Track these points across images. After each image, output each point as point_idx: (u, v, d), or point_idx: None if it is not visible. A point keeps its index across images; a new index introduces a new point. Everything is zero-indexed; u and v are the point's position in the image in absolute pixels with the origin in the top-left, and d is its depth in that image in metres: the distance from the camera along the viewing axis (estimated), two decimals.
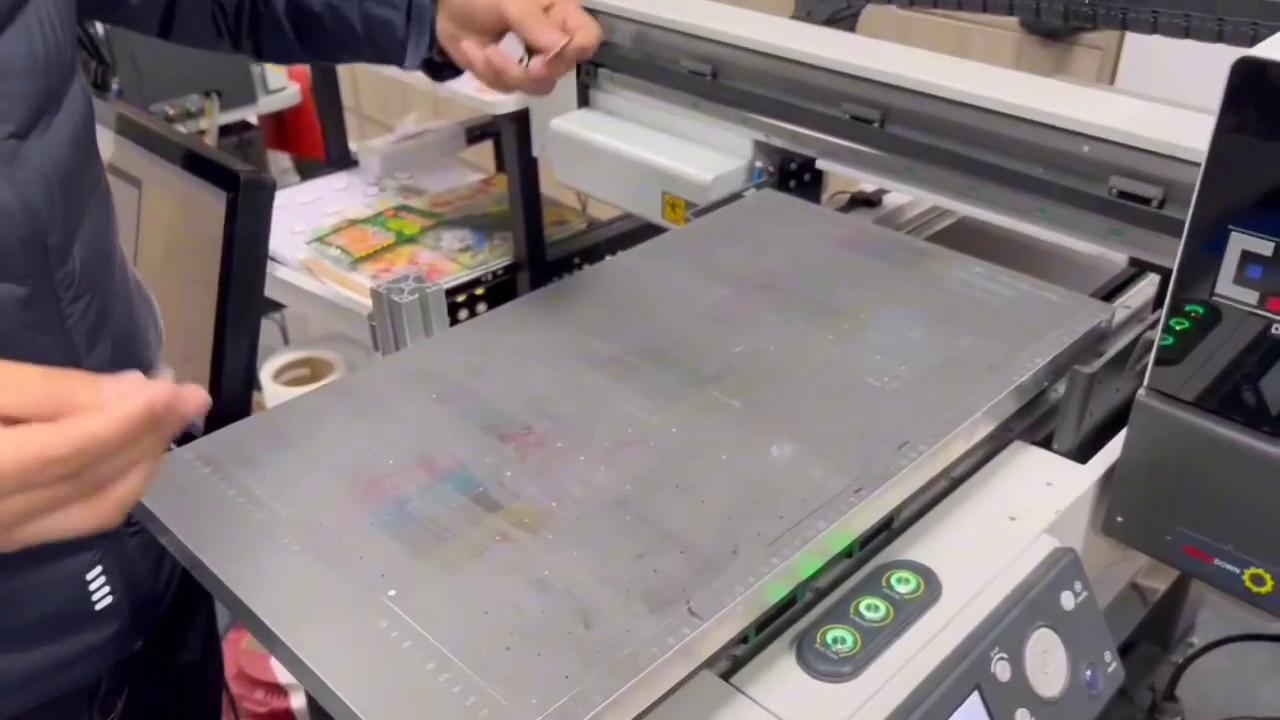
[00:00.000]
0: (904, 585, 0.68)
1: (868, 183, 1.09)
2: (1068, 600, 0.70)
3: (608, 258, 0.93)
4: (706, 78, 1.09)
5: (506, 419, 0.72)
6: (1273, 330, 0.65)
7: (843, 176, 1.05)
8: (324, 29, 0.88)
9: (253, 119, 2.21)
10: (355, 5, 0.87)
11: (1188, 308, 0.69)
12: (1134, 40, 1.79)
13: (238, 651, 1.35)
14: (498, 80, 0.80)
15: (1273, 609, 0.72)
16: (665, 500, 0.65)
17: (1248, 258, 0.65)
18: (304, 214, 1.62)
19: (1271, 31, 0.66)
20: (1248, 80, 0.62)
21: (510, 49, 0.80)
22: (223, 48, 0.92)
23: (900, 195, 1.14)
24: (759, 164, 1.09)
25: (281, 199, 1.69)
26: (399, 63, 0.88)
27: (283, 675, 1.33)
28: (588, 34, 0.78)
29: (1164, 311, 0.70)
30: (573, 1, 0.81)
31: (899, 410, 0.72)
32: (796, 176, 1.10)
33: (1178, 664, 1.27)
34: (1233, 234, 0.65)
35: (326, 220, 1.57)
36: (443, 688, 0.52)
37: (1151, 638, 1.28)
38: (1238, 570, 0.73)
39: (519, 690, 0.52)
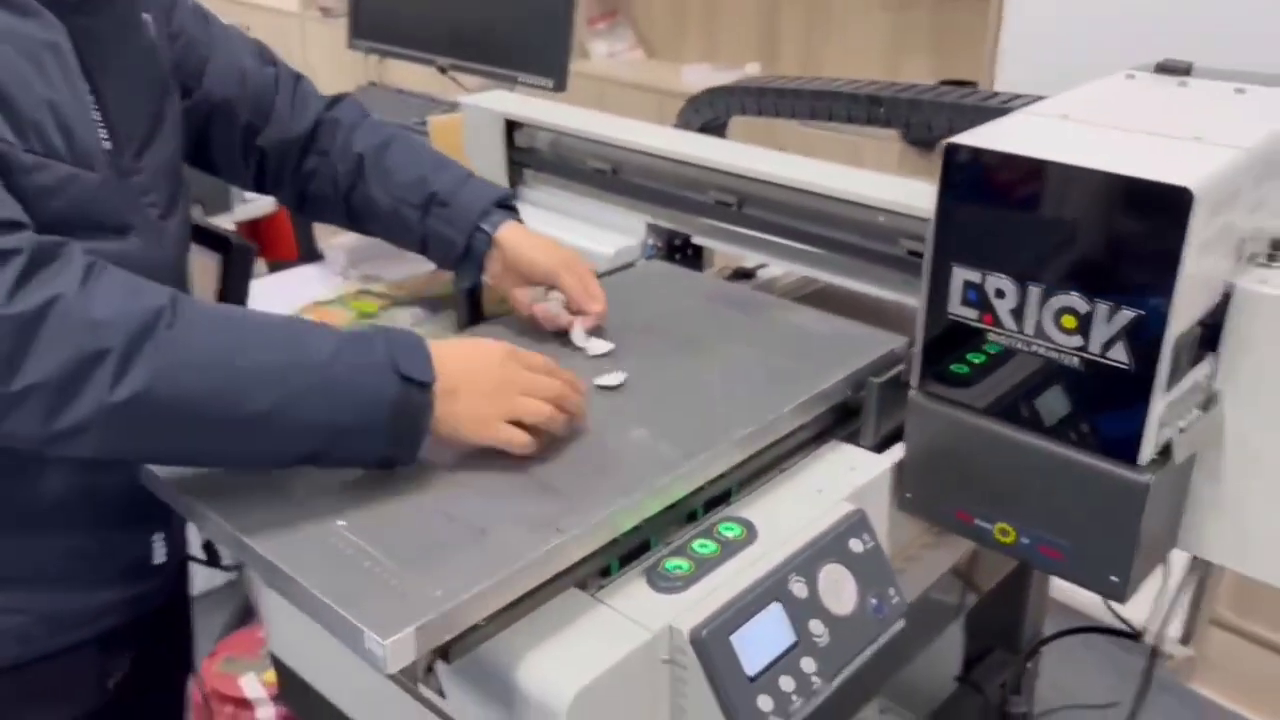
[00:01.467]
0: (730, 531, 0.91)
1: (736, 255, 1.35)
2: (856, 545, 0.92)
3: None
4: (608, 174, 1.36)
5: None
6: (988, 338, 0.90)
7: (716, 250, 1.31)
8: (380, 219, 1.11)
9: (230, 226, 2.47)
10: (419, 214, 1.10)
11: (934, 326, 0.94)
12: None
13: (210, 674, 1.53)
14: (536, 326, 1.10)
15: (1015, 554, 0.95)
16: (550, 467, 0.88)
17: (967, 285, 0.90)
18: (275, 299, 1.85)
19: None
20: (953, 159, 0.88)
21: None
22: (247, 183, 1.16)
23: (773, 269, 1.40)
24: (650, 241, 1.35)
25: (255, 288, 1.93)
26: (445, 268, 1.14)
27: (249, 691, 1.51)
28: (601, 303, 1.09)
29: (919, 329, 0.95)
30: (592, 276, 1.10)
31: (729, 408, 0.96)
32: (681, 251, 1.36)
33: (1021, 661, 1.49)
34: (954, 268, 0.90)
35: (300, 302, 1.81)
36: (373, 575, 0.75)
37: (1004, 645, 1.50)
38: (989, 525, 0.96)
39: (427, 575, 0.74)
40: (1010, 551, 0.96)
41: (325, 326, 0.82)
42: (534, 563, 0.77)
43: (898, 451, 1.02)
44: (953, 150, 0.88)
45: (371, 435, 0.80)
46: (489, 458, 0.89)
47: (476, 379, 0.86)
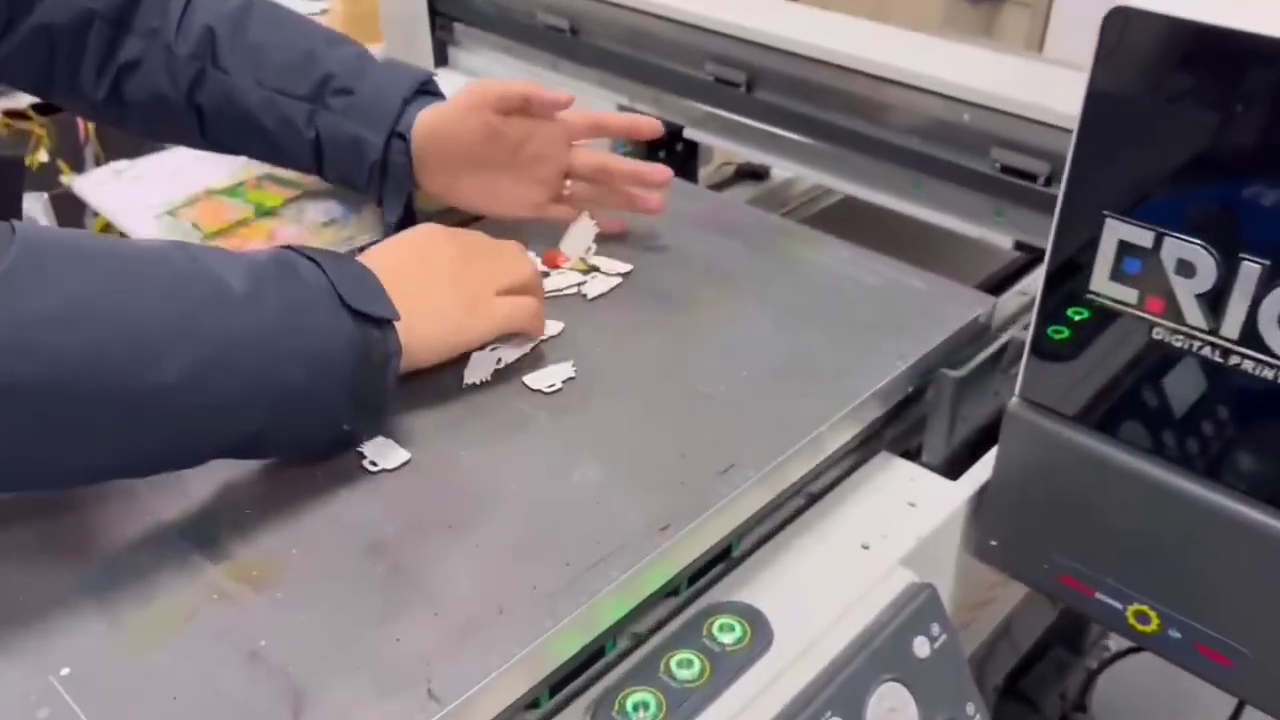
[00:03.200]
0: (727, 634, 0.58)
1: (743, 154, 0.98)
2: (922, 647, 0.60)
3: None
4: (565, 34, 0.98)
5: None
6: (1153, 334, 0.55)
7: (713, 147, 0.94)
8: (246, 120, 0.77)
9: None
10: (308, 108, 0.76)
11: (1060, 306, 0.59)
12: None
13: None
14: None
15: (1159, 650, 0.63)
16: (430, 544, 0.54)
17: (1125, 249, 0.55)
18: (166, 184, 1.47)
19: None
20: (1123, 37, 0.51)
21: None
22: (14, 79, 0.80)
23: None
24: None
25: (142, 168, 1.55)
26: (360, 189, 0.81)
27: None
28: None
29: (1035, 310, 0.60)
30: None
31: (729, 425, 0.62)
32: (666, 147, 0.99)
33: (1090, 670, 1.20)
34: (1108, 222, 0.55)
35: (186, 190, 1.44)
36: None
37: (1063, 642, 1.20)
38: (1120, 606, 0.64)
39: None
40: (1146, 642, 0.64)
41: (215, 250, 0.54)
42: None
43: (978, 474, 0.69)
44: (1122, 21, 0.51)
45: (327, 399, 0.55)
46: (333, 523, 0.55)
47: (434, 271, 0.62)
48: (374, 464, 0.58)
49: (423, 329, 0.60)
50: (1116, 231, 0.55)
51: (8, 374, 0.43)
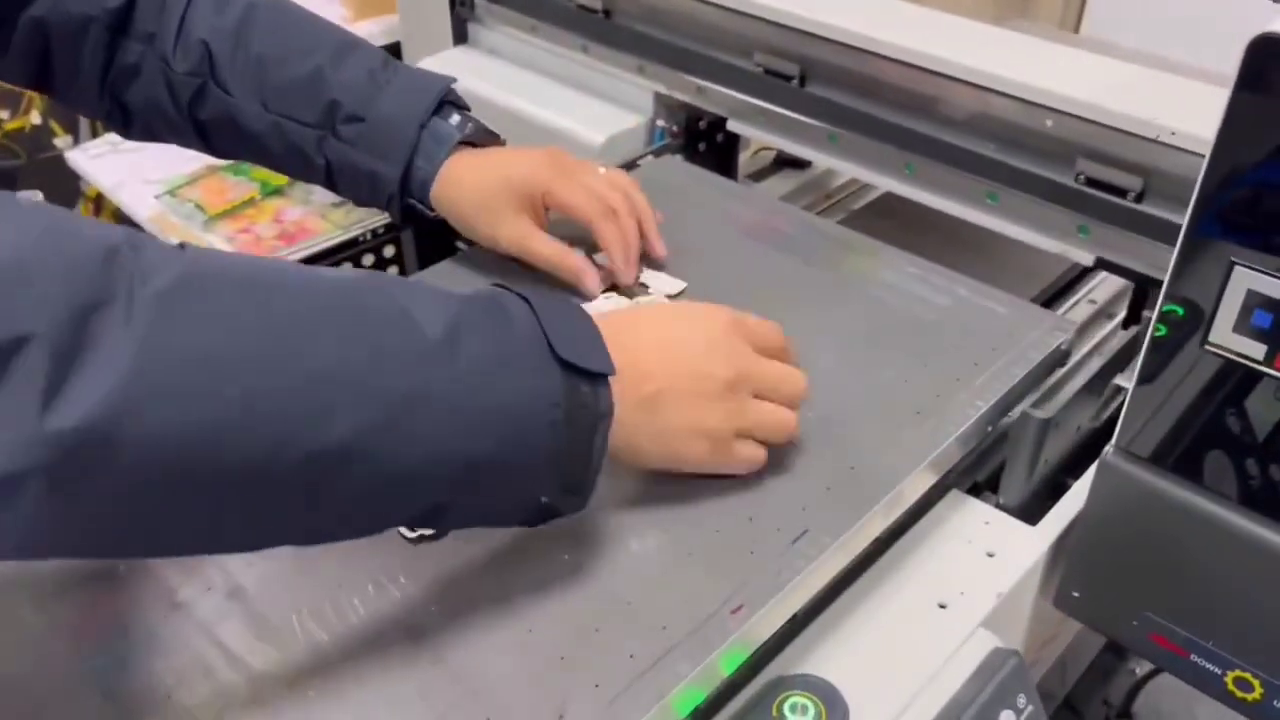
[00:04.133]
0: (800, 716, 0.53)
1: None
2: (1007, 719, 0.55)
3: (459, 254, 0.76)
4: (598, 14, 0.90)
5: None
6: None
7: (757, 139, 0.88)
8: (252, 143, 0.71)
9: None
10: (315, 136, 0.70)
11: (1172, 356, 0.53)
12: None
13: None
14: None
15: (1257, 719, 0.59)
16: (479, 629, 0.49)
17: (1255, 300, 0.49)
18: (165, 159, 1.40)
19: None
20: (1270, 69, 0.45)
21: None
22: (17, 77, 0.73)
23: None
24: (661, 122, 0.91)
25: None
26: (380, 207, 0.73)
27: None
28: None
29: (1141, 354, 0.54)
30: (627, 187, 0.72)
31: (798, 481, 0.56)
32: (707, 138, 0.92)
33: (1137, 675, 1.16)
34: (1237, 269, 0.49)
35: (188, 166, 1.37)
36: None
37: (1106, 647, 1.16)
38: (1219, 671, 0.59)
39: None
40: (1249, 712, 0.59)
41: (422, 288, 0.45)
42: None
43: (1059, 518, 0.64)
44: (1269, 51, 0.45)
45: (522, 468, 0.46)
46: (370, 603, 0.50)
47: (696, 371, 0.52)
48: (412, 529, 0.53)
49: (640, 419, 0.51)
50: (1246, 280, 0.49)
51: (136, 423, 0.35)
